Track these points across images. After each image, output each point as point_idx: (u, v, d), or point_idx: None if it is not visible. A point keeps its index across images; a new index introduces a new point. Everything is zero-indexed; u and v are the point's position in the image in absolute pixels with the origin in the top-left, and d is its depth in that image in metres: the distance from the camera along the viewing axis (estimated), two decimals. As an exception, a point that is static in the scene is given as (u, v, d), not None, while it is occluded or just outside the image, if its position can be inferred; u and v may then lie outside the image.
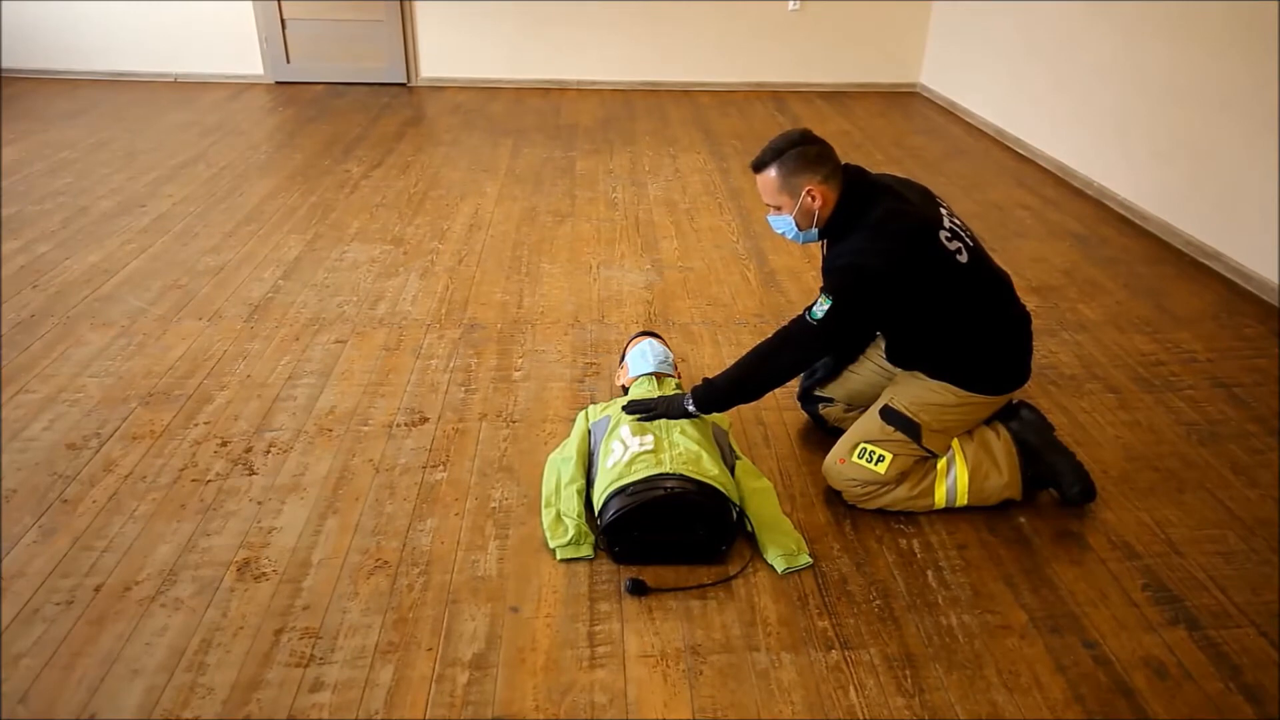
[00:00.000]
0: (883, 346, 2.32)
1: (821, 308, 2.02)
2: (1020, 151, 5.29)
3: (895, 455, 2.14)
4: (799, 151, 2.05)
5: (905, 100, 6.57)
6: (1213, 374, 2.92)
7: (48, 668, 1.73)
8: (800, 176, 2.05)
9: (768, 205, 2.14)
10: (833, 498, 2.26)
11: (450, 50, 6.49)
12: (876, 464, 2.14)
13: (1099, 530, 2.19)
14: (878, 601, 1.96)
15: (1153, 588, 2.01)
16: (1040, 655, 1.83)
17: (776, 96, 6.55)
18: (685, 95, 6.54)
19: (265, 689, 1.70)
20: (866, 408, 2.28)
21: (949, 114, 6.17)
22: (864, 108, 6.31)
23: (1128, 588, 2.01)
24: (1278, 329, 3.23)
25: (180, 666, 1.74)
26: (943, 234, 2.04)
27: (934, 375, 2.17)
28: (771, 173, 2.07)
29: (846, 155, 5.81)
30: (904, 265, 2.00)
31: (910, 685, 1.75)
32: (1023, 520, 2.22)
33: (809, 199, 2.05)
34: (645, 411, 2.19)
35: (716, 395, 2.16)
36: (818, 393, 2.50)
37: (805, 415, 2.56)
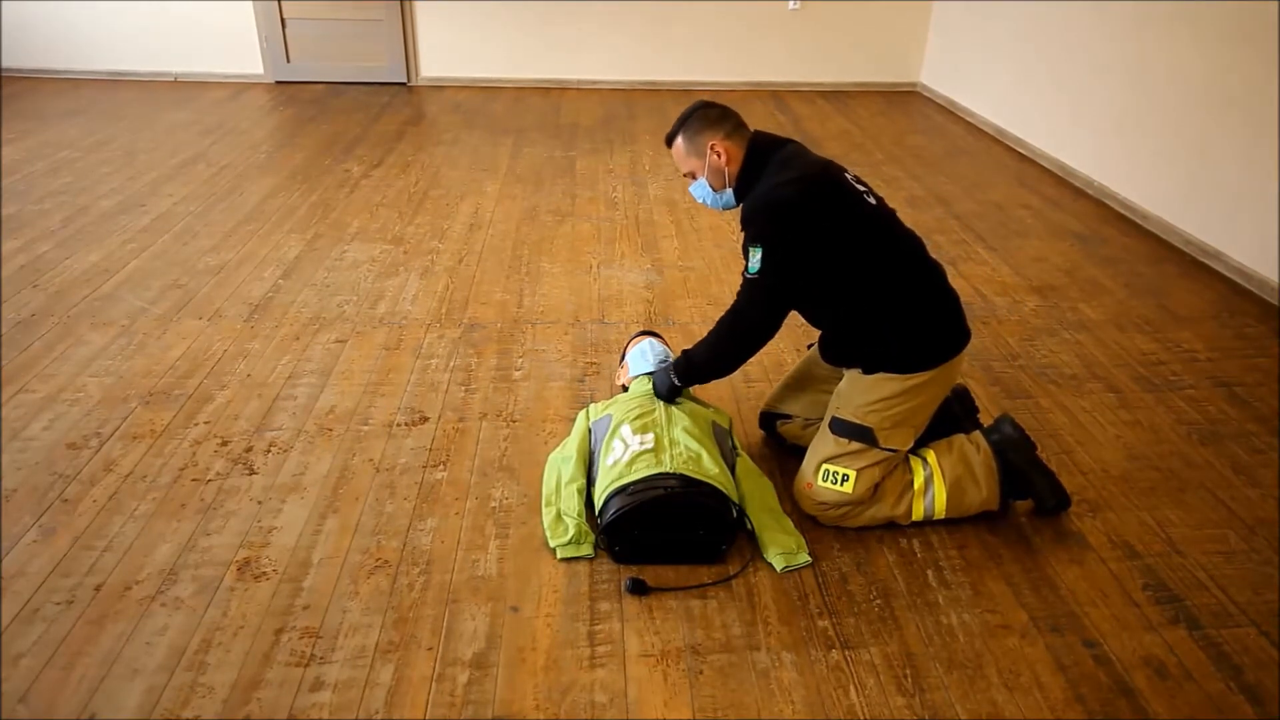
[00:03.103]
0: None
1: (755, 260, 2.01)
2: (1021, 151, 5.29)
3: (860, 470, 2.08)
4: (700, 114, 2.13)
5: (905, 100, 6.57)
6: (1213, 373, 2.92)
7: (48, 667, 1.73)
8: (704, 135, 2.11)
9: (685, 176, 2.21)
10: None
11: (450, 50, 6.49)
12: (843, 484, 2.09)
13: (1099, 530, 2.19)
14: (878, 601, 1.96)
15: (1153, 587, 2.01)
16: (1040, 655, 1.83)
17: (776, 96, 6.55)
18: (685, 95, 6.53)
19: (265, 688, 1.70)
20: (822, 419, 2.23)
21: (949, 113, 6.17)
22: (864, 107, 6.30)
23: (1128, 587, 2.01)
24: (1278, 328, 3.23)
25: (180, 666, 1.74)
26: (847, 175, 2.10)
27: (870, 368, 2.10)
28: (679, 140, 2.15)
29: (847, 154, 5.75)
30: (812, 192, 2.00)
31: (910, 685, 1.75)
32: (1023, 520, 2.22)
33: (715, 156, 2.10)
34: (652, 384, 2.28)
35: (696, 370, 2.22)
36: (774, 409, 2.45)
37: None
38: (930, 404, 2.14)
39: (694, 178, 2.18)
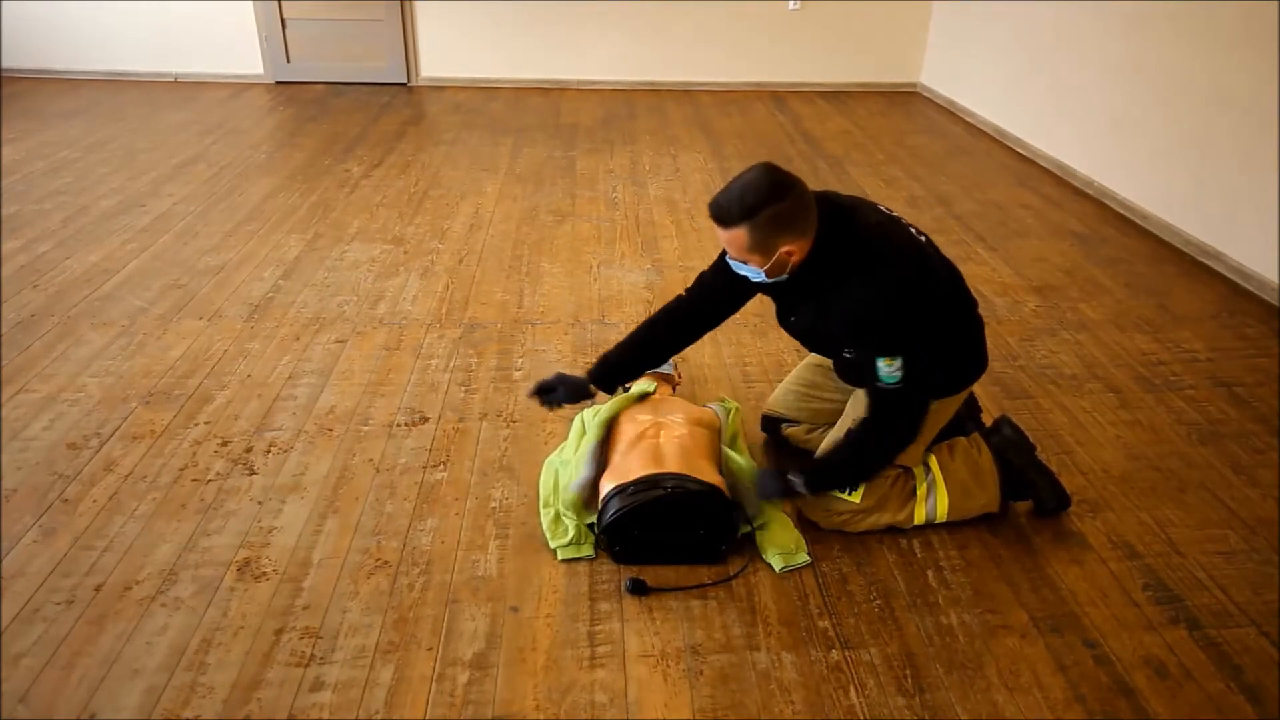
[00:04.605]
0: (830, 364, 2.18)
1: (893, 369, 1.86)
2: (1021, 151, 5.29)
3: (870, 481, 2.09)
4: (773, 212, 1.77)
5: (905, 100, 6.57)
6: (1213, 373, 2.91)
7: (48, 667, 1.73)
8: (777, 238, 1.80)
9: (733, 257, 1.91)
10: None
11: (450, 50, 6.49)
12: (851, 494, 2.08)
13: (1099, 530, 2.19)
14: (878, 601, 1.96)
15: (1153, 587, 2.01)
16: (1041, 655, 1.83)
17: (777, 96, 6.55)
18: (685, 95, 6.54)
19: (265, 688, 1.70)
20: (829, 425, 2.22)
21: (949, 114, 6.17)
22: (864, 107, 6.30)
23: (1128, 587, 2.01)
24: (1278, 328, 3.23)
25: (180, 666, 1.74)
26: (914, 233, 1.96)
27: None
28: (740, 231, 1.80)
29: (847, 155, 5.72)
30: (922, 285, 1.89)
31: (911, 685, 1.75)
32: (1023, 520, 2.22)
33: (785, 256, 1.84)
34: (761, 496, 2.08)
35: (829, 480, 2.07)
36: (778, 414, 2.42)
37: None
38: (942, 422, 2.15)
39: (744, 263, 1.89)
